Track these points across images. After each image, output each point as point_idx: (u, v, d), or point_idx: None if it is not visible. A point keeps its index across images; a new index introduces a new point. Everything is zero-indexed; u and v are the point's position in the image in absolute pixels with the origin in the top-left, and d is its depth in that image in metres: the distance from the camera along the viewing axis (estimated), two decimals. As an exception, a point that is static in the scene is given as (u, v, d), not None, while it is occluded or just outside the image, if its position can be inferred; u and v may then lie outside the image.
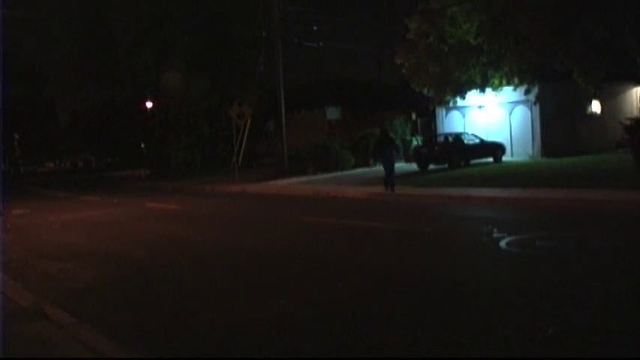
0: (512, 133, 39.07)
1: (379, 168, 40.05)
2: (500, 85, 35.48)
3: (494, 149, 36.92)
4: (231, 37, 48.95)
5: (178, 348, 7.52)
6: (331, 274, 10.82)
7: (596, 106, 39.43)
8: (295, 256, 12.90)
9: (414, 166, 36.46)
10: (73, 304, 9.78)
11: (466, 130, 39.60)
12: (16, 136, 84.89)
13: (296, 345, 7.32)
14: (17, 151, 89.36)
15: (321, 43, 44.94)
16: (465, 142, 36.80)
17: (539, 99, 36.58)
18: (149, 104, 50.91)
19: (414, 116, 47.41)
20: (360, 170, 39.14)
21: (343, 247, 13.46)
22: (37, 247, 16.81)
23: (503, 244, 12.17)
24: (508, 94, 36.97)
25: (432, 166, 35.39)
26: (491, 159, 36.49)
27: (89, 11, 49.40)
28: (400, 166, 40.70)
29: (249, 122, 40.63)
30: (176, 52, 47.48)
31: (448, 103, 38.97)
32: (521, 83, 34.97)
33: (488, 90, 36.43)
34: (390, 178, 24.99)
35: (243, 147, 44.74)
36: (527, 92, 35.97)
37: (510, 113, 39.23)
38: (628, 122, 24.58)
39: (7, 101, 75.17)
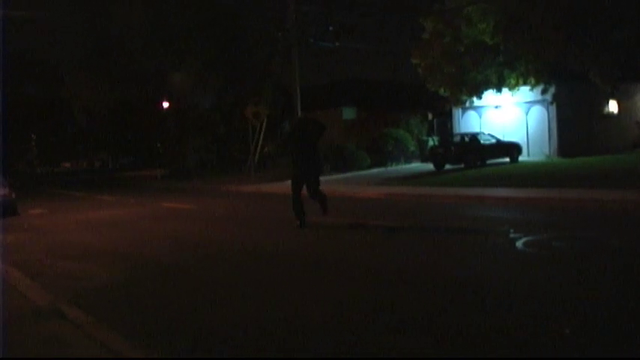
0: (529, 133, 38.99)
1: (395, 168, 40.24)
2: (517, 85, 35.40)
3: (511, 149, 36.86)
4: (246, 37, 48.99)
5: (194, 347, 7.53)
6: (346, 274, 10.81)
7: (612, 106, 39.29)
8: (310, 255, 12.88)
9: (430, 166, 36.44)
10: (89, 303, 9.80)
11: (482, 130, 39.56)
12: (33, 137, 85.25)
13: (308, 345, 7.32)
14: (34, 151, 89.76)
15: (337, 43, 44.85)
16: (482, 142, 36.76)
17: (555, 99, 36.50)
18: (165, 104, 51.01)
19: (430, 116, 47.41)
20: (375, 170, 39.13)
21: (358, 247, 13.43)
22: (53, 247, 16.87)
23: (519, 244, 12.12)
24: (525, 93, 36.90)
25: (448, 166, 35.34)
26: (507, 159, 36.44)
27: (103, 11, 49.48)
28: (416, 166, 40.70)
29: (265, 122, 40.68)
30: (191, 52, 47.54)
31: (464, 103, 38.96)
32: (537, 83, 34.89)
33: (505, 90, 36.35)
34: (315, 194, 17.11)
35: (259, 147, 44.79)
36: (543, 92, 35.90)
37: (527, 113, 39.15)
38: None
39: (24, 102, 75.61)
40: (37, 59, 78.34)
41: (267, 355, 7.15)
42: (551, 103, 36.97)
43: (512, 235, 13.14)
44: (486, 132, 38.60)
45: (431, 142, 42.92)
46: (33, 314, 9.22)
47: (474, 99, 38.09)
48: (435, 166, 36.07)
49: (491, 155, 36.21)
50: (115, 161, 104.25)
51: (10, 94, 73.40)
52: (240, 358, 7.18)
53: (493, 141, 37.08)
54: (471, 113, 42.23)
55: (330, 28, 43.54)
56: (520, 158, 36.84)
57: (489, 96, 38.02)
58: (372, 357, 6.89)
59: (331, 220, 18.21)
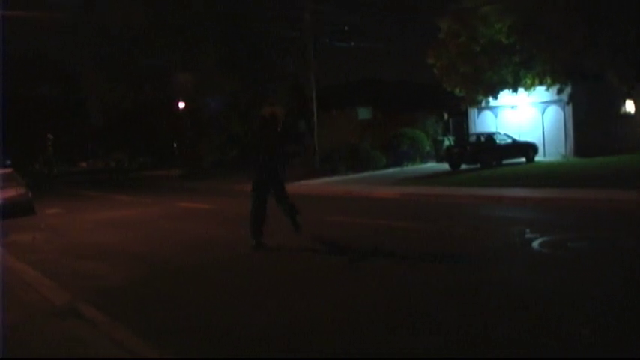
0: (545, 133, 38.84)
1: (411, 168, 40.19)
2: (533, 84, 35.26)
3: (527, 149, 36.74)
4: (262, 36, 48.99)
5: (209, 347, 7.56)
6: (360, 275, 10.81)
7: (629, 106, 39.07)
8: (325, 256, 12.88)
9: (445, 167, 36.37)
10: (105, 302, 9.86)
11: (498, 130, 39.45)
12: (50, 137, 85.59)
13: (314, 344, 7.35)
14: (50, 151, 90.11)
15: (352, 43, 44.85)
16: (497, 142, 36.65)
17: (571, 99, 36.30)
18: (181, 104, 51.12)
19: (445, 116, 47.32)
20: (391, 170, 39.09)
21: (373, 247, 13.42)
22: (70, 246, 16.97)
23: (535, 244, 12.10)
24: (540, 93, 36.74)
25: (463, 167, 35.28)
26: (523, 159, 36.32)
27: (117, 11, 49.44)
28: (432, 166, 40.63)
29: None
30: (206, 52, 47.56)
31: (480, 102, 38.85)
32: (553, 83, 34.72)
33: (521, 90, 36.23)
34: (288, 206, 15.04)
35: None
36: (559, 92, 35.71)
37: (543, 113, 39.00)
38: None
39: (41, 102, 76.02)
40: (54, 59, 78.69)
41: (276, 354, 7.19)
42: (568, 103, 36.78)
43: (528, 236, 13.12)
44: (502, 132, 38.49)
45: (447, 142, 42.79)
46: (50, 313, 9.28)
47: (490, 99, 37.98)
48: (450, 166, 36.01)
49: (507, 155, 36.11)
50: (130, 161, 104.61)
51: (26, 94, 73.85)
52: (249, 357, 7.22)
53: (509, 141, 36.98)
54: (487, 113, 42.12)
55: (346, 28, 43.60)
56: (536, 158, 36.71)
57: (505, 96, 37.90)
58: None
59: (346, 219, 18.24)
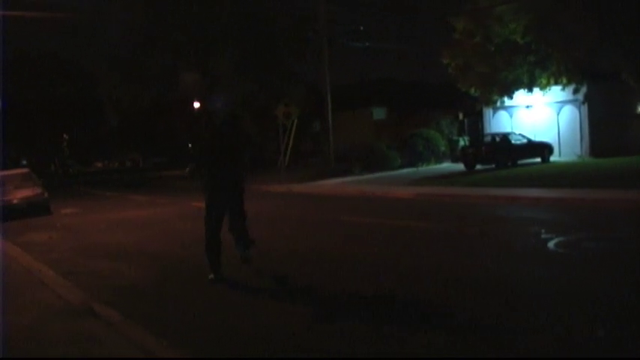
0: (560, 133, 38.68)
1: (426, 168, 40.13)
2: (548, 84, 35.14)
3: (542, 149, 36.59)
4: (277, 37, 49.00)
5: (225, 347, 7.57)
6: (372, 276, 10.79)
7: (645, 106, 38.88)
8: (336, 256, 12.87)
9: (460, 167, 36.27)
10: (121, 302, 9.89)
11: (513, 130, 39.33)
12: (66, 137, 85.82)
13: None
14: (66, 151, 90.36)
15: (367, 43, 44.84)
16: (513, 142, 36.52)
17: (587, 98, 36.16)
18: (197, 104, 51.20)
19: (461, 116, 47.18)
20: (405, 170, 39.01)
21: (387, 248, 13.41)
22: (85, 246, 17.04)
23: (551, 245, 12.06)
24: (556, 93, 36.62)
25: (479, 167, 35.18)
26: (538, 159, 36.17)
27: (132, 12, 49.47)
28: (447, 166, 40.51)
29: (295, 122, 40.66)
30: (221, 53, 47.59)
31: (495, 102, 38.75)
32: (569, 83, 34.60)
33: (536, 89, 36.12)
34: (241, 231, 12.33)
35: (289, 147, 44.82)
36: (575, 92, 35.59)
37: (558, 113, 38.85)
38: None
39: (57, 102, 76.31)
40: (69, 60, 78.97)
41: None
42: (583, 102, 36.65)
43: (543, 236, 13.07)
44: (517, 132, 38.37)
45: (462, 142, 42.71)
46: (66, 312, 9.31)
47: (505, 99, 37.89)
48: (465, 166, 35.91)
49: (523, 155, 35.97)
50: (146, 161, 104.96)
51: (42, 94, 74.14)
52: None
53: (524, 141, 36.85)
54: (502, 113, 42.01)
55: (361, 28, 43.59)
56: (551, 158, 36.57)
57: (520, 96, 37.80)
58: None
59: (360, 219, 18.23)
